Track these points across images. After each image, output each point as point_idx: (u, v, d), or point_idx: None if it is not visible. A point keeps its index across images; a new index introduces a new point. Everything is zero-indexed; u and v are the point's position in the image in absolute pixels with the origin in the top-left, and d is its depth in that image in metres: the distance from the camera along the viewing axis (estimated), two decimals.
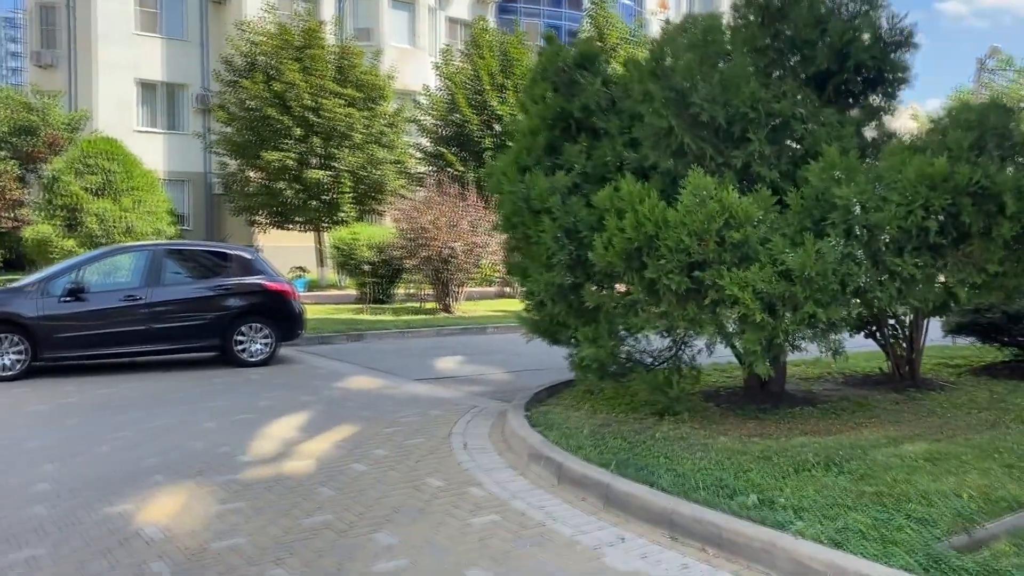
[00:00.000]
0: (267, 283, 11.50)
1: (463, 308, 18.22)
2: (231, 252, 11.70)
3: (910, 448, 5.69)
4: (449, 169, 20.47)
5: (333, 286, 27.03)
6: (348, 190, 23.94)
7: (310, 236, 27.81)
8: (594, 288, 6.99)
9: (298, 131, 24.34)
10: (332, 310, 18.07)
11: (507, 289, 23.79)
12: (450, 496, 5.33)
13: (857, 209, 5.73)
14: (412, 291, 19.63)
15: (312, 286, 26.43)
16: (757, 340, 5.97)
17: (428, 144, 23.63)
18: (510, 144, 21.67)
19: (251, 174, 25.53)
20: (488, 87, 21.51)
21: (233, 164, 26.15)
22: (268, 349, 11.37)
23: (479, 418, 7.80)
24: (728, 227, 5.92)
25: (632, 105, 7.75)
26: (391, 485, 5.58)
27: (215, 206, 32.51)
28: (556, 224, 6.93)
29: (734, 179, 6.47)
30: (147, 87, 32.03)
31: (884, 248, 5.85)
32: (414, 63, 32.20)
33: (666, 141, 6.70)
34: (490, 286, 24.10)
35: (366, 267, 18.71)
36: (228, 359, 11.27)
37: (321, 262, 27.39)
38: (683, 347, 7.56)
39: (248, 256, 11.69)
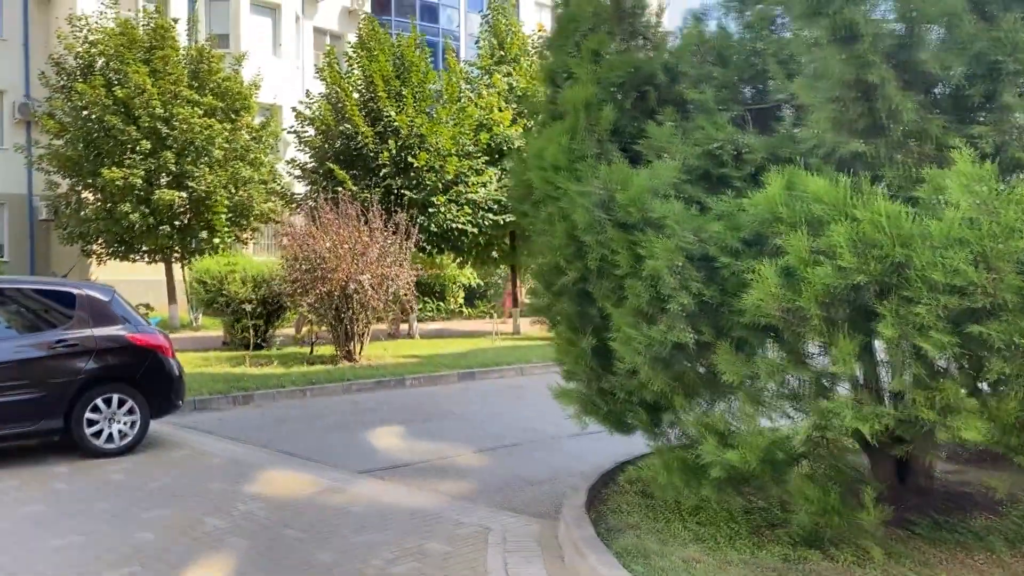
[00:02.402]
0: (132, 335, 8.08)
1: (368, 354, 15.04)
2: (77, 292, 8.13)
3: None
4: (339, 189, 17.24)
5: (187, 327, 23.05)
6: (223, 211, 20.09)
7: (158, 268, 23.68)
8: (735, 352, 4.28)
9: (146, 144, 20.34)
10: (200, 360, 14.45)
11: (403, 326, 20.71)
12: None
13: None
14: (299, 335, 16.31)
15: (162, 327, 22.34)
16: None
17: (309, 160, 20.23)
18: (412, 160, 18.85)
19: (87, 195, 21.27)
20: (383, 94, 18.40)
21: (64, 184, 21.78)
22: (135, 430, 7.94)
23: (521, 562, 4.87)
24: None
25: (727, 73, 5.23)
26: None
27: (41, 234, 27.65)
28: (673, 246, 4.19)
29: None
30: None
31: None
32: (277, 75, 28.70)
33: (861, 108, 4.11)
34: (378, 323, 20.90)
35: (247, 306, 15.18)
36: (76, 447, 7.78)
37: (172, 298, 23.30)
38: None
39: (103, 297, 8.20)
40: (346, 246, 13.80)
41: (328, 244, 13.80)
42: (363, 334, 14.68)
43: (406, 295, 15.05)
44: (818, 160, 4.43)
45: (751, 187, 4.58)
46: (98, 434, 7.76)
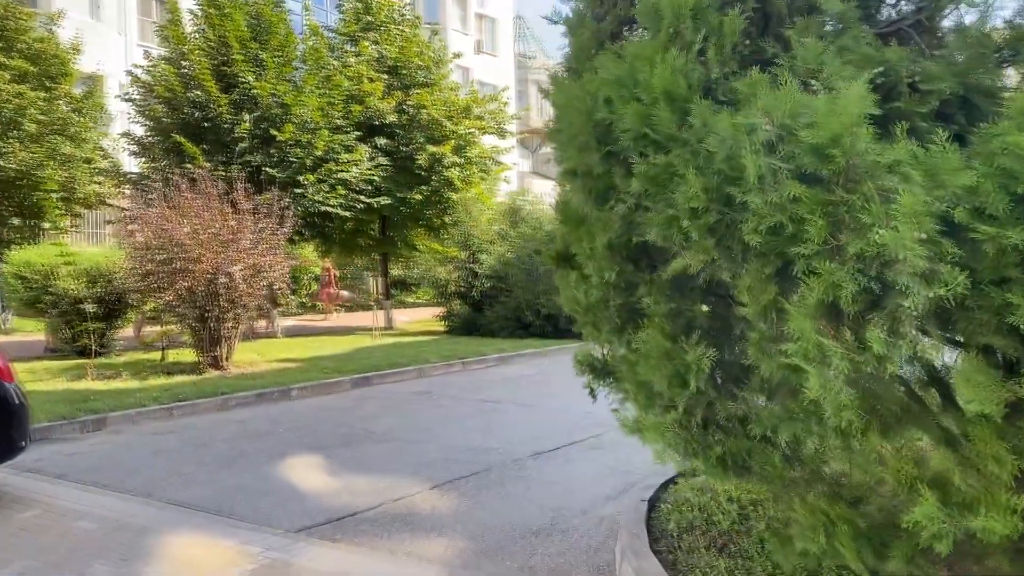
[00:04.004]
0: None
1: (237, 360, 12.77)
2: None
3: None
4: (188, 165, 14.72)
5: None
6: (54, 187, 16.89)
7: None
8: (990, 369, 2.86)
9: None
10: (25, 373, 11.61)
11: (261, 324, 18.31)
12: None
13: None
14: (142, 338, 13.81)
15: None
16: None
17: (149, 133, 17.40)
18: (275, 133, 16.40)
19: None
20: (239, 57, 15.94)
21: None
22: None
23: None
24: None
25: None
26: None
27: None
28: (923, 207, 2.72)
29: None
30: None
31: None
32: (98, 41, 25.15)
33: None
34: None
35: (87, 306, 12.51)
36: None
37: None
38: None
39: None
40: (210, 231, 11.54)
41: (187, 229, 11.49)
42: (231, 336, 12.43)
43: (280, 288, 12.95)
44: None
45: (937, 127, 3.21)
46: None
